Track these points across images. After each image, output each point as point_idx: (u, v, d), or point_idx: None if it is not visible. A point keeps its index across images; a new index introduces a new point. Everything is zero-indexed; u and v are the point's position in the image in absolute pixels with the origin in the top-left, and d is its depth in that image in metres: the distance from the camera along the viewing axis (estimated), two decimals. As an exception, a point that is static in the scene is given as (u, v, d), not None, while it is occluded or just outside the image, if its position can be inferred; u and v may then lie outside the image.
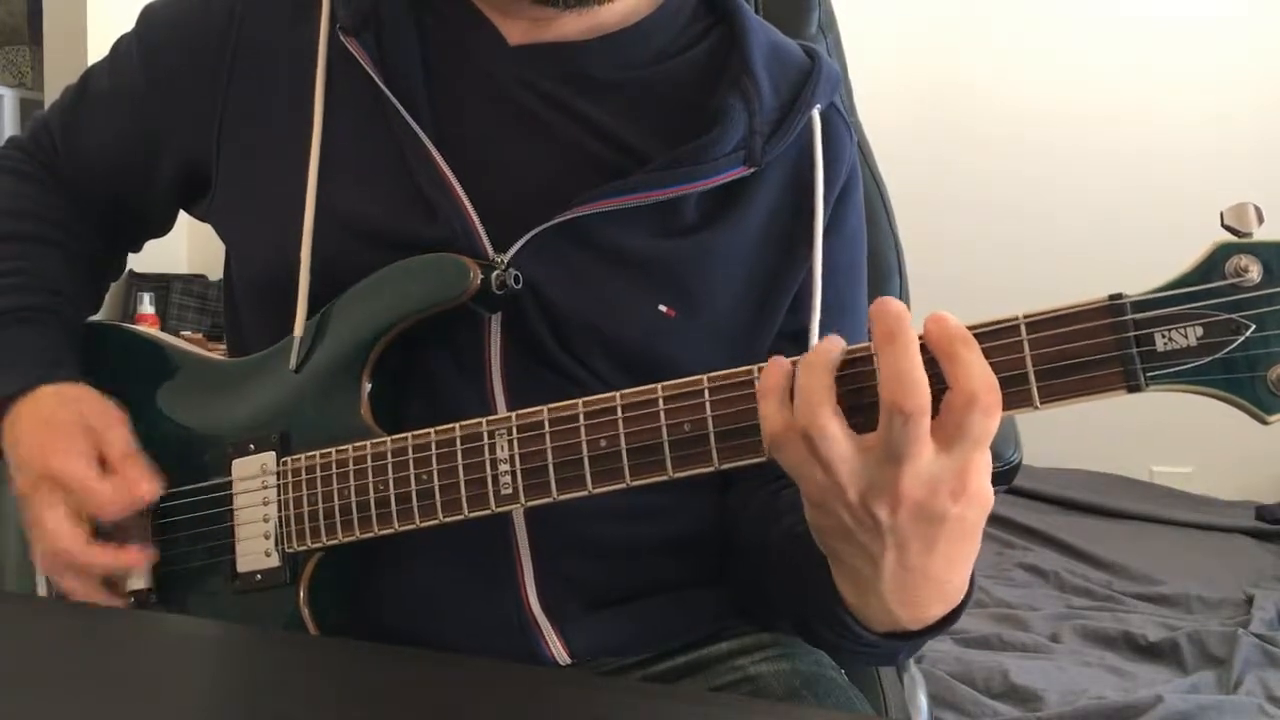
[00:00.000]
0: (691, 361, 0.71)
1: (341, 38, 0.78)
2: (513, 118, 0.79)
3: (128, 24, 0.90)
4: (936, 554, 0.58)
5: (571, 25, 0.80)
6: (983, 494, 0.57)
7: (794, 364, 0.58)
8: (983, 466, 0.56)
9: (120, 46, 0.91)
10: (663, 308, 0.75)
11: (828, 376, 0.56)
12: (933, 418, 0.54)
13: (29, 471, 0.77)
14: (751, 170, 0.77)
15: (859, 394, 0.57)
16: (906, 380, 0.53)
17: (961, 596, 0.62)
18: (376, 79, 0.77)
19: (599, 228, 0.74)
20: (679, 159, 0.75)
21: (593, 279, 0.75)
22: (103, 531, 0.77)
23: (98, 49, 3.20)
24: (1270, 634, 2.26)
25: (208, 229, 0.88)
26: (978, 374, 0.54)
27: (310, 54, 0.80)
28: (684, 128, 0.77)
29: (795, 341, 0.79)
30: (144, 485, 0.76)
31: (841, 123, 0.84)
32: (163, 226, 0.95)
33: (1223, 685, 2.07)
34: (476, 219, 0.75)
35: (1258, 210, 0.53)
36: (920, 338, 0.55)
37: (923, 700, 1.08)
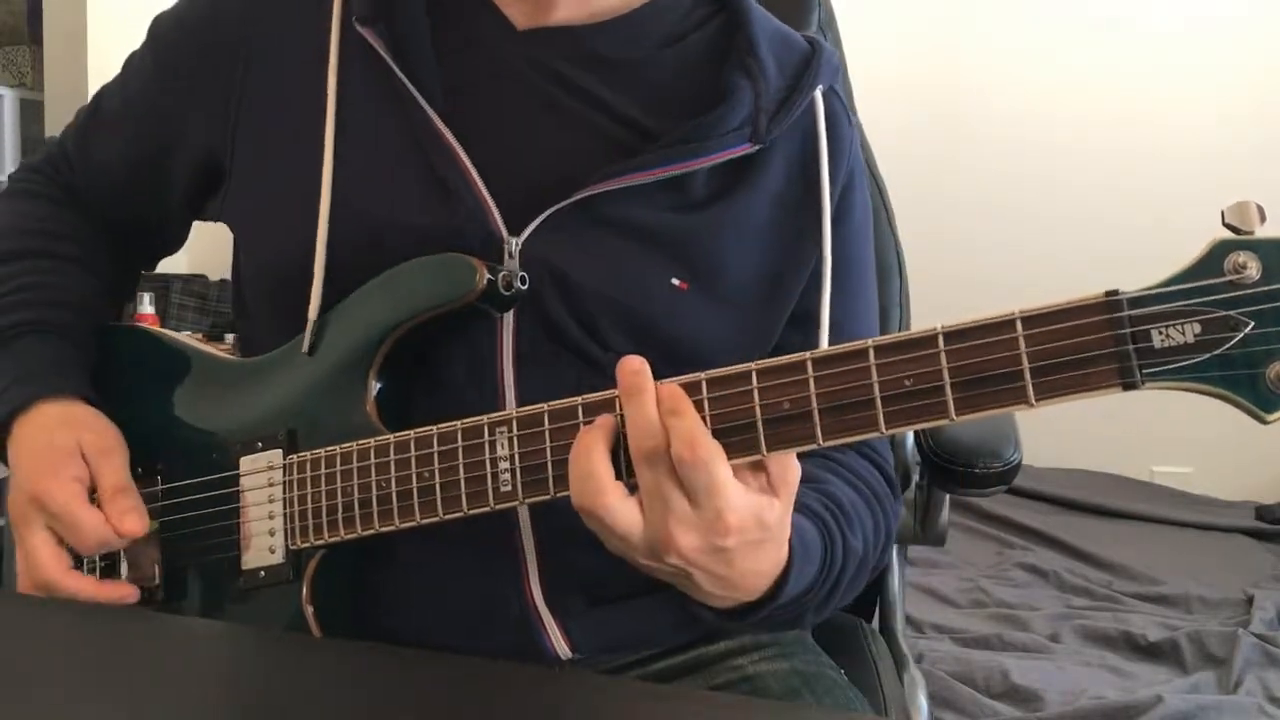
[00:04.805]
0: (706, 336, 0.72)
1: (358, 27, 0.79)
2: (523, 99, 0.80)
3: (128, 23, 0.91)
4: (736, 568, 0.62)
5: (566, 11, 0.81)
6: (747, 523, 0.59)
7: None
8: (734, 505, 0.59)
9: (132, 59, 0.92)
10: (675, 281, 0.76)
11: (603, 461, 0.60)
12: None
13: (20, 493, 0.77)
14: (757, 147, 0.78)
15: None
16: (649, 428, 0.58)
17: (782, 567, 0.65)
18: (392, 65, 0.78)
19: (611, 204, 0.75)
20: (687, 135, 0.76)
21: (607, 254, 0.76)
22: None
23: (98, 49, 3.22)
24: (1270, 634, 2.27)
25: (208, 229, 0.88)
26: (681, 433, 0.58)
27: (323, 43, 0.81)
28: (691, 105, 0.78)
29: (805, 324, 0.80)
30: (129, 521, 0.76)
31: (841, 107, 0.86)
32: (178, 238, 0.96)
33: (1223, 685, 2.07)
34: (491, 200, 0.75)
35: (1260, 209, 0.52)
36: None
37: (922, 700, 1.08)
